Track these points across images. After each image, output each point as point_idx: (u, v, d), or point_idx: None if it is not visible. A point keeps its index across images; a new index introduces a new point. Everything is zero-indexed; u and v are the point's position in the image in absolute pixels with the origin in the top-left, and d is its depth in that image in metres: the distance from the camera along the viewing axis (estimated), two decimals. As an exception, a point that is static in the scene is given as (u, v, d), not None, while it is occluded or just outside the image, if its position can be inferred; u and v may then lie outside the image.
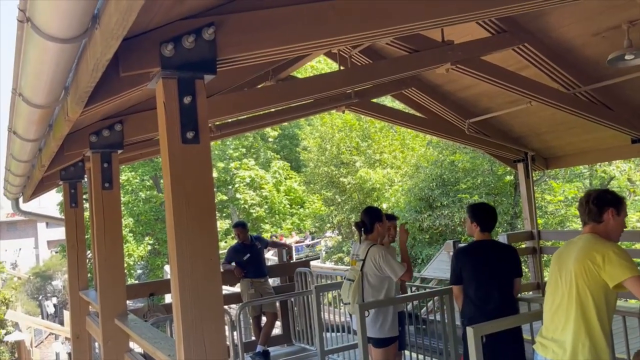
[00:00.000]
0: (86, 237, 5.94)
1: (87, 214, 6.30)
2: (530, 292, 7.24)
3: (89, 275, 5.46)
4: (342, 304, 5.70)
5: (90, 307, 5.04)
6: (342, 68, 5.15)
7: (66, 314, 16.75)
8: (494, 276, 3.71)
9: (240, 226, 6.96)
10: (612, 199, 2.68)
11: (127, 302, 3.92)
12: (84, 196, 5.68)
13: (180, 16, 1.88)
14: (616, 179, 15.65)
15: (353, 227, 16.97)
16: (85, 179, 5.13)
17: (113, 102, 2.35)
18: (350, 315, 4.74)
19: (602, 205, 2.65)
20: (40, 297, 27.53)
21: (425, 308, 6.40)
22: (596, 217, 2.63)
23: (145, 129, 3.49)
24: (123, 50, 1.83)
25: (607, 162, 14.07)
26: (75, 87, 2.09)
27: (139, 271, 22.74)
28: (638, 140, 5.74)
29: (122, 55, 1.86)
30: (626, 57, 4.00)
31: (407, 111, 7.23)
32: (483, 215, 3.81)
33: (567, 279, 2.55)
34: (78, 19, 1.43)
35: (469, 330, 2.94)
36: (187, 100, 1.96)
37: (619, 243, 2.71)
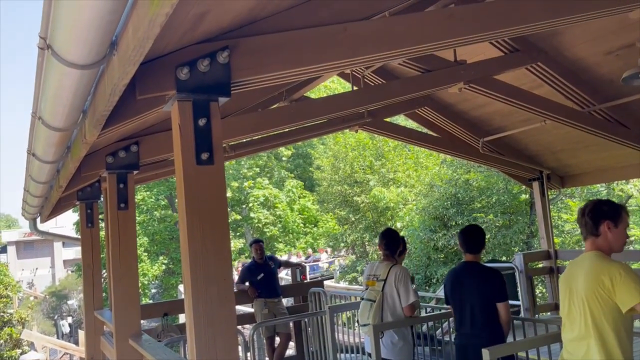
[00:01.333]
0: (102, 256, 5.99)
1: (102, 233, 6.36)
2: (549, 313, 7.11)
3: (104, 294, 5.50)
4: (356, 325, 5.65)
5: (104, 327, 5.06)
6: (355, 88, 5.19)
7: (81, 334, 16.79)
8: (468, 300, 3.61)
9: (257, 242, 6.99)
10: (607, 210, 2.57)
11: (141, 322, 3.94)
12: (100, 216, 5.75)
13: (195, 40, 1.92)
14: (634, 197, 15.42)
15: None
16: (102, 199, 5.20)
17: (129, 124, 2.39)
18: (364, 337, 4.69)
19: (597, 218, 2.55)
20: (55, 317, 27.66)
21: (440, 329, 6.31)
22: (593, 231, 2.55)
23: (161, 150, 3.54)
24: (139, 74, 1.87)
25: (624, 181, 13.88)
26: (93, 111, 2.13)
27: (153, 290, 22.79)
28: (656, 159, 5.68)
29: (139, 78, 1.90)
30: (642, 76, 3.98)
31: (420, 130, 7.23)
32: (462, 237, 3.77)
33: (581, 308, 2.45)
34: (96, 46, 1.47)
35: (484, 352, 2.89)
36: (201, 122, 1.99)
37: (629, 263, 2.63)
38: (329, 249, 20.94)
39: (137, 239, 19.79)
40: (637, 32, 4.09)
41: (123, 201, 3.65)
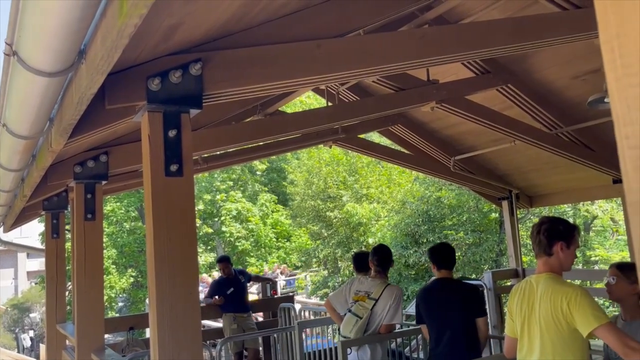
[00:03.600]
0: (67, 268, 5.84)
1: (69, 245, 6.21)
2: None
3: (67, 308, 5.34)
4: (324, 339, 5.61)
5: (67, 341, 4.92)
6: (329, 104, 5.22)
7: (42, 348, 16.28)
8: (446, 317, 3.60)
9: (224, 261, 6.90)
10: (562, 231, 2.54)
11: (107, 336, 3.84)
12: (67, 227, 5.61)
13: (168, 52, 1.91)
14: (599, 218, 15.81)
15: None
16: (69, 210, 5.08)
17: (98, 134, 2.36)
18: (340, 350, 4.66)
19: (551, 238, 2.51)
20: (17, 330, 26.75)
21: (409, 347, 6.31)
22: (546, 250, 2.50)
23: (131, 160, 3.50)
24: (109, 84, 1.85)
25: (590, 202, 14.24)
26: (59, 119, 2.09)
27: (120, 304, 22.27)
28: (619, 181, 5.84)
29: (108, 88, 1.88)
30: (605, 99, 4.10)
31: (393, 147, 7.31)
32: (435, 254, 3.78)
33: (538, 332, 2.41)
34: (64, 54, 1.45)
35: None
36: (172, 133, 1.97)
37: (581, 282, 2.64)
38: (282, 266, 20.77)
39: (105, 251, 19.37)
40: (602, 58, 4.22)
41: (90, 212, 3.58)
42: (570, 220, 15.98)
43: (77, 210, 3.55)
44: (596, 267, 14.40)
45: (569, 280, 2.53)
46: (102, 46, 1.31)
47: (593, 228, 16.47)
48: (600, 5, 0.52)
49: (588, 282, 8.66)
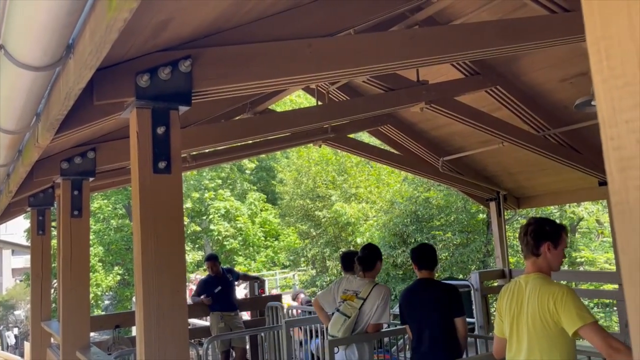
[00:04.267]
0: (53, 265, 5.78)
1: (55, 242, 6.15)
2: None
3: (53, 305, 5.30)
4: (310, 340, 5.62)
5: (52, 338, 4.87)
6: (319, 103, 5.22)
7: (27, 346, 16.10)
8: (425, 317, 3.63)
9: (212, 259, 6.88)
10: (549, 231, 2.55)
11: (93, 334, 3.81)
12: (53, 224, 5.56)
13: (157, 48, 1.90)
14: (585, 220, 15.97)
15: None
16: (55, 206, 5.03)
17: (85, 130, 2.34)
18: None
19: (538, 239, 2.53)
20: (1, 328, 26.45)
21: (396, 346, 6.34)
22: (534, 250, 2.53)
23: (119, 157, 3.47)
24: (98, 79, 1.83)
25: (576, 203, 14.38)
26: (46, 114, 2.07)
27: (107, 302, 22.11)
28: (605, 183, 5.90)
29: (97, 84, 1.86)
30: (592, 102, 4.15)
31: (383, 147, 7.32)
32: (414, 254, 3.81)
33: (526, 332, 2.42)
34: (52, 48, 1.43)
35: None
36: (160, 130, 1.96)
37: (572, 283, 2.65)
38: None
39: (92, 248, 19.21)
40: (589, 61, 4.26)
41: (77, 208, 3.55)
42: (557, 222, 16.13)
43: (64, 207, 3.52)
44: (581, 268, 14.55)
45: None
46: (91, 41, 1.30)
47: (579, 230, 16.63)
48: (587, 8, 0.52)
49: (573, 283, 8.75)
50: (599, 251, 15.06)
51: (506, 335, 2.59)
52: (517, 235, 2.70)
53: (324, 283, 16.65)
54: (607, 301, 11.91)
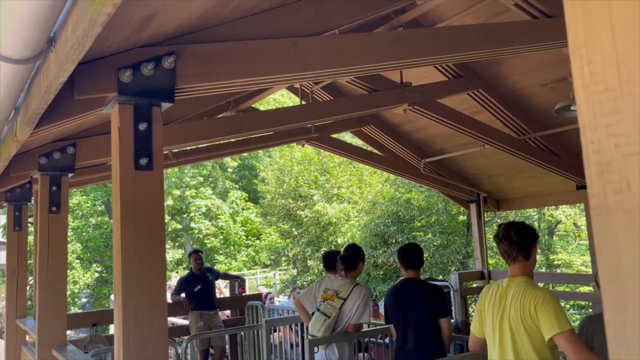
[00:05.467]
0: (29, 262, 5.69)
1: (32, 238, 6.04)
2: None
3: (29, 302, 5.20)
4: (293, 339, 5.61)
5: (27, 336, 4.79)
6: (303, 103, 5.22)
7: (1, 343, 15.79)
8: (410, 316, 3.64)
9: (196, 253, 6.84)
10: (534, 232, 2.53)
11: (69, 332, 3.76)
12: (31, 219, 5.46)
13: (140, 43, 1.88)
14: (562, 223, 16.23)
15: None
16: (32, 202, 4.95)
17: (65, 124, 2.30)
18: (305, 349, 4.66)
19: (532, 238, 2.48)
20: (-26, 325, 25.90)
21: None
22: (526, 253, 2.45)
23: (99, 153, 3.42)
24: (79, 74, 1.81)
25: (554, 207, 14.60)
26: (25, 108, 2.04)
27: (84, 300, 21.81)
28: (582, 187, 6.00)
29: (78, 78, 1.84)
30: (572, 107, 4.22)
31: (365, 148, 7.35)
32: (401, 253, 3.81)
33: (509, 335, 2.41)
34: (33, 41, 1.41)
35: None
36: (142, 126, 1.94)
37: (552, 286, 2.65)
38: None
39: (70, 245, 18.92)
40: (569, 67, 4.33)
41: (55, 204, 3.49)
42: (535, 224, 16.36)
43: (42, 203, 3.46)
44: (558, 271, 14.77)
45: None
46: (73, 34, 1.28)
47: (557, 233, 16.89)
48: (570, 13, 0.53)
49: (550, 285, 8.89)
50: (575, 254, 15.31)
51: (486, 336, 2.59)
52: (498, 239, 2.54)
53: (305, 283, 16.64)
54: (583, 303, 12.11)
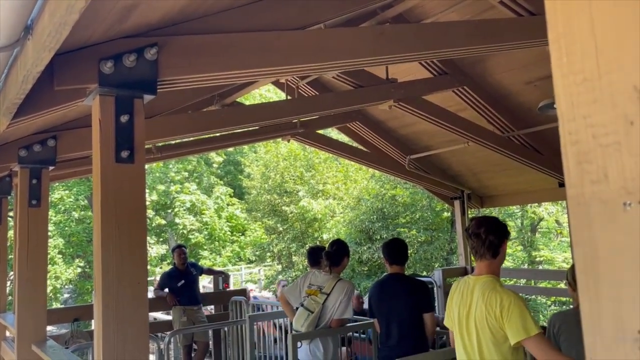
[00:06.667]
0: (10, 257, 5.60)
1: (12, 232, 5.94)
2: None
3: (9, 298, 5.13)
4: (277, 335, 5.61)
5: (7, 332, 4.72)
6: (289, 98, 5.20)
7: (-19, 339, 15.54)
8: (394, 311, 3.65)
9: (181, 247, 6.80)
10: (506, 229, 2.46)
11: (51, 327, 3.71)
12: (10, 213, 5.38)
13: (122, 34, 1.85)
14: (545, 220, 16.42)
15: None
16: (12, 195, 4.87)
17: (45, 116, 2.26)
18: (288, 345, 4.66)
19: (502, 236, 2.40)
20: (-47, 320, 25.48)
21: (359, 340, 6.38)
22: (495, 251, 2.38)
23: (81, 146, 3.38)
24: (59, 64, 1.77)
25: (537, 204, 14.77)
26: (2, 98, 2.00)
27: (66, 295, 21.58)
28: (564, 185, 6.06)
29: (58, 68, 1.80)
30: (555, 105, 4.25)
31: (351, 144, 7.35)
32: (386, 249, 3.82)
33: (474, 335, 2.36)
34: (9, 29, 1.38)
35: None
36: (124, 119, 1.91)
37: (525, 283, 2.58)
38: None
39: (52, 240, 18.66)
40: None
41: (35, 198, 3.44)
42: (519, 221, 16.53)
43: (21, 196, 3.40)
44: (540, 267, 14.95)
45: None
46: (50, 21, 1.25)
47: (539, 229, 17.09)
48: (550, 4, 0.53)
49: (532, 281, 8.99)
50: (557, 250, 15.51)
51: (453, 332, 2.55)
52: (468, 235, 2.47)
53: (290, 278, 16.64)
54: (564, 299, 12.28)
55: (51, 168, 3.48)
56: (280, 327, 5.86)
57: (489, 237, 2.39)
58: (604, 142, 0.49)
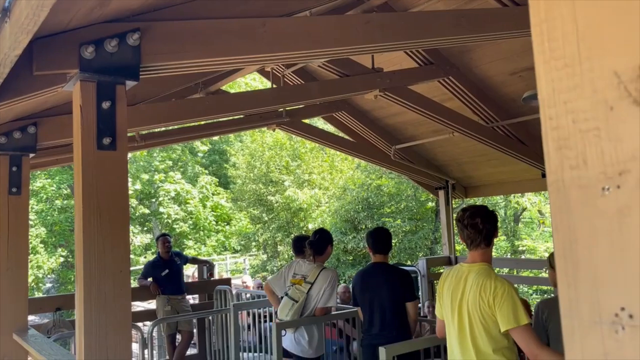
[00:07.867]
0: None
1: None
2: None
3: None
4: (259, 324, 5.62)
5: (-13, 321, 4.66)
6: (274, 86, 5.17)
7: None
8: (378, 300, 3.67)
9: (165, 236, 6.76)
10: (496, 215, 2.50)
11: (33, 317, 3.67)
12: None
13: (104, 19, 1.82)
14: (528, 210, 16.62)
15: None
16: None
17: (24, 101, 2.22)
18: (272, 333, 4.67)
19: (495, 224, 2.44)
20: None
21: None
22: (488, 240, 2.42)
23: (62, 133, 3.33)
24: (38, 48, 1.74)
25: (520, 194, 14.92)
26: (-19, 83, 1.96)
27: (48, 285, 21.39)
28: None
29: (37, 52, 1.77)
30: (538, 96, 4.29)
31: (337, 134, 7.35)
32: (370, 238, 3.83)
33: (466, 322, 2.40)
34: (-14, 10, 1.34)
35: (381, 351, 2.97)
36: (105, 105, 1.89)
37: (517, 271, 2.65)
38: None
39: (34, 229, 18.43)
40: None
41: (16, 185, 3.39)
42: (502, 211, 16.70)
43: (1, 184, 3.35)
44: (523, 256, 15.16)
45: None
46: (28, 3, 1.22)
47: (522, 219, 17.30)
48: (532, -11, 0.53)
49: (515, 270, 9.10)
50: (539, 240, 15.72)
51: (445, 320, 2.59)
52: (463, 224, 2.48)
53: (275, 268, 16.67)
54: (546, 288, 12.47)
55: (32, 155, 3.43)
56: (253, 315, 5.87)
57: (486, 226, 2.43)
58: (584, 127, 0.49)
